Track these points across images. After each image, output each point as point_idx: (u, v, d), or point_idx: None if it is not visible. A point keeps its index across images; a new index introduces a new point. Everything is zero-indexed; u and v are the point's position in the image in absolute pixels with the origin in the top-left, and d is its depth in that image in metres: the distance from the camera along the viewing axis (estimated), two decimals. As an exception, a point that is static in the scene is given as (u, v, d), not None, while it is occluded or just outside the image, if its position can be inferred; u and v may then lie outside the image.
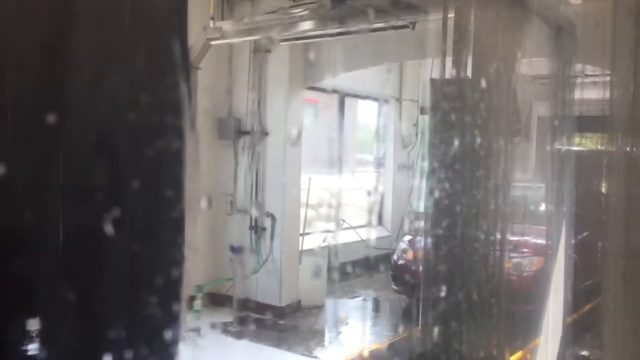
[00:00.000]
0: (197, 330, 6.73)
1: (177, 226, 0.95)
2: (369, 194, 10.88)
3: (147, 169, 0.91)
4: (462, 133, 3.18)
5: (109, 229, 0.84)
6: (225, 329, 7.10)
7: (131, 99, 0.88)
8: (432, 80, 3.65)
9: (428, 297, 3.30)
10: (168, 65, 0.91)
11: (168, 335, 0.94)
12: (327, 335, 7.46)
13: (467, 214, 3.15)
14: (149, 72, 0.90)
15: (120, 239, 0.86)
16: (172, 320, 0.95)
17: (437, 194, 3.19)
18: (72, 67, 0.82)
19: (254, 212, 7.84)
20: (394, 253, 8.32)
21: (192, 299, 6.72)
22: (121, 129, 0.88)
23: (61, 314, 0.83)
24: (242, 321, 7.21)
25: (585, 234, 6.38)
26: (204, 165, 7.47)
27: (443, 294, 3.11)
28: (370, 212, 10.82)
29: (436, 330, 3.14)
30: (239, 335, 6.94)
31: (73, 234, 0.83)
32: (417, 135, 10.84)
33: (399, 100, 10.75)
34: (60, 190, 0.82)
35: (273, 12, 6.48)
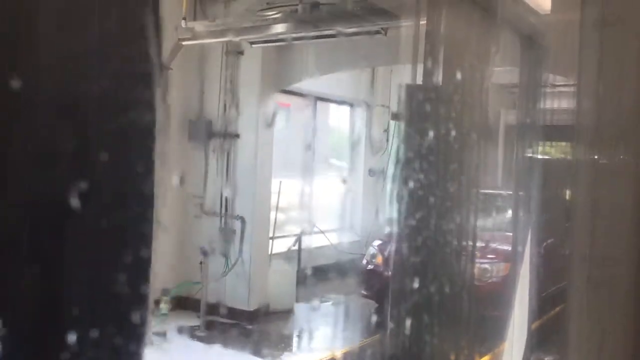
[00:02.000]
0: (163, 334, 6.64)
1: (147, 202, 0.91)
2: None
3: (116, 140, 0.88)
4: (432, 139, 3.21)
5: (74, 201, 0.80)
6: (192, 333, 7.02)
7: (100, 65, 0.85)
8: (403, 86, 3.68)
9: (397, 301, 3.31)
10: (139, 34, 0.88)
11: (135, 315, 0.91)
12: (295, 339, 7.44)
13: (436, 220, 3.18)
14: (119, 39, 0.87)
15: (86, 212, 0.82)
16: (140, 300, 0.92)
17: (406, 199, 3.21)
18: (36, 27, 0.78)
19: (223, 215, 7.78)
20: (363, 258, 8.35)
21: (158, 302, 6.63)
22: (89, 96, 0.84)
23: (21, 290, 0.80)
24: (209, 325, 7.14)
25: (550, 240, 6.50)
26: (174, 167, 7.39)
27: (412, 298, 3.13)
28: (340, 216, 10.84)
29: (405, 334, 3.16)
30: (206, 340, 6.87)
31: (35, 205, 0.79)
32: (388, 140, 10.92)
33: (370, 105, 10.81)
34: (21, 158, 0.78)
35: (246, 14, 6.46)
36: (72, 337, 0.82)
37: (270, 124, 7.75)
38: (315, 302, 8.45)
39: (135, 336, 0.91)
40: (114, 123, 0.86)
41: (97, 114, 0.85)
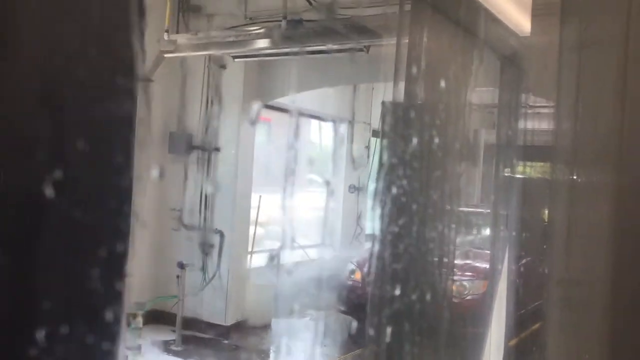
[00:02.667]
0: (137, 348, 6.52)
1: (124, 195, 0.88)
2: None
3: (95, 130, 0.85)
4: (412, 156, 3.23)
5: (49, 191, 0.77)
6: (167, 347, 6.91)
7: (81, 52, 0.82)
8: (384, 104, 3.71)
9: (375, 318, 3.30)
10: (122, 22, 0.86)
11: (109, 312, 0.87)
12: (272, 355, 7.36)
13: (415, 237, 3.19)
14: (101, 27, 0.85)
15: (60, 203, 0.79)
16: (114, 297, 0.88)
17: (386, 216, 3.22)
18: (15, 12, 0.75)
19: (202, 229, 7.71)
20: (342, 274, 8.32)
21: (133, 316, 6.52)
22: (68, 82, 0.80)
23: None
24: (185, 340, 7.04)
25: (527, 259, 6.55)
26: (153, 179, 7.32)
27: (390, 315, 3.12)
28: (319, 232, 10.82)
29: (383, 350, 3.14)
30: (181, 354, 6.77)
31: (7, 193, 0.76)
32: (368, 157, 10.96)
33: (351, 122, 10.86)
34: None
35: (229, 28, 6.47)
36: (41, 333, 0.79)
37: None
38: (293, 318, 8.39)
39: (108, 334, 0.88)
40: (93, 112, 0.84)
41: (76, 101, 0.82)
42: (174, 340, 7.00)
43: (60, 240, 0.82)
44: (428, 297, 3.30)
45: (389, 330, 3.14)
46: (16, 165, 0.76)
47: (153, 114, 6.93)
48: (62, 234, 0.82)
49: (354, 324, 7.90)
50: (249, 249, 8.22)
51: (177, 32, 6.98)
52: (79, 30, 0.82)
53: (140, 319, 6.63)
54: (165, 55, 6.62)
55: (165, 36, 6.53)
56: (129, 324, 6.34)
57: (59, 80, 0.80)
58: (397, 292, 3.14)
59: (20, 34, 0.76)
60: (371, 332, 3.26)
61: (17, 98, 0.76)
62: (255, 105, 7.61)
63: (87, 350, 0.86)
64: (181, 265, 7.27)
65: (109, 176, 0.87)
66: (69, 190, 0.80)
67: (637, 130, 1.23)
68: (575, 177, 1.90)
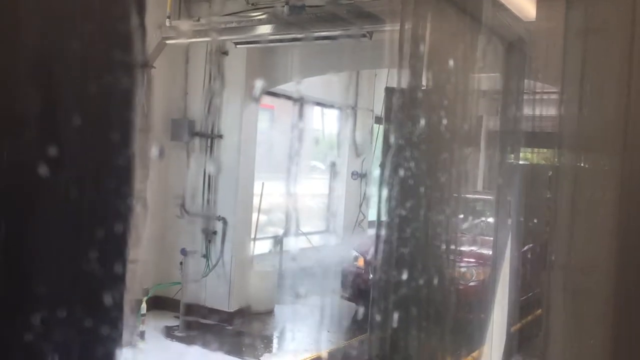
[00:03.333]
0: (140, 334, 6.57)
1: (123, 174, 0.85)
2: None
3: (91, 106, 0.81)
4: (415, 142, 3.22)
5: (43, 169, 0.74)
6: (170, 333, 6.95)
7: (75, 24, 0.78)
8: (387, 89, 3.69)
9: (378, 304, 3.32)
10: None
11: (108, 296, 0.83)
12: (275, 340, 7.41)
13: (419, 223, 3.19)
14: (97, 1, 0.81)
15: (56, 182, 0.75)
16: (114, 280, 0.84)
17: (389, 202, 3.22)
18: None
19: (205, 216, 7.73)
20: (345, 260, 8.35)
21: (137, 302, 6.56)
22: (62, 56, 0.76)
23: None
24: (188, 326, 7.08)
25: (530, 245, 6.55)
26: (155, 166, 7.32)
27: (393, 301, 3.13)
28: (322, 218, 10.84)
29: (386, 336, 3.16)
30: (185, 340, 6.81)
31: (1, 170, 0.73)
32: (371, 143, 10.94)
33: (354, 108, 10.83)
34: None
35: (231, 14, 6.43)
36: (37, 317, 0.76)
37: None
38: (296, 304, 8.43)
39: (108, 318, 0.85)
40: (89, 87, 0.80)
41: (71, 76, 0.78)
42: (177, 326, 7.04)
43: (56, 220, 0.78)
44: (431, 283, 3.31)
45: (392, 316, 3.15)
46: (8, 142, 0.73)
47: (155, 100, 6.92)
48: (58, 213, 0.78)
49: (357, 310, 7.93)
50: (252, 236, 8.24)
51: (179, 19, 6.95)
52: (74, 3, 0.79)
53: (143, 305, 6.67)
54: (167, 42, 6.59)
55: (167, 22, 6.49)
56: (133, 310, 6.38)
57: (51, 54, 0.76)
58: (402, 277, 3.15)
59: (16, 9, 0.73)
60: (376, 317, 3.28)
61: (9, 72, 0.73)
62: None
63: (86, 334, 0.83)
64: (184, 252, 7.30)
65: (106, 155, 0.83)
66: (64, 167, 0.77)
67: (642, 116, 1.22)
68: (579, 164, 1.89)
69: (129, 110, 0.85)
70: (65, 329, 0.80)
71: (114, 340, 0.88)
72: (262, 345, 7.00)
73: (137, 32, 0.84)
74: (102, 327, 0.85)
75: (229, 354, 6.57)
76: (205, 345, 6.75)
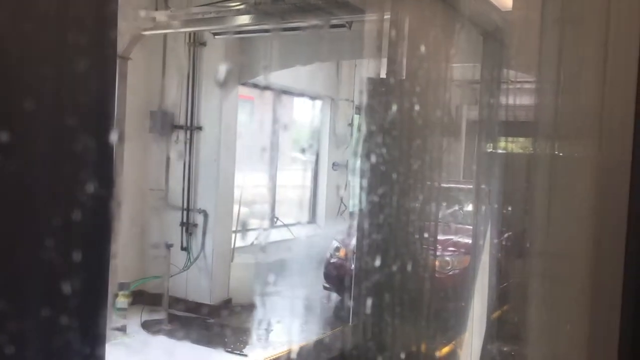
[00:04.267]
0: (122, 329, 6.53)
1: (80, 160, 0.81)
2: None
3: (45, 89, 0.77)
4: (395, 131, 3.23)
5: None
6: (152, 327, 6.92)
7: (28, 7, 0.75)
8: (367, 80, 3.70)
9: (359, 293, 3.33)
10: None
11: (66, 285, 0.80)
12: (255, 333, 7.42)
13: (398, 213, 3.21)
14: None
15: (8, 166, 0.73)
16: (73, 269, 0.81)
17: (369, 192, 3.23)
18: None
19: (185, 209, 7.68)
20: (326, 251, 8.37)
21: (117, 296, 6.51)
22: (12, 37, 0.72)
23: None
24: (170, 319, 7.06)
25: (509, 233, 6.64)
26: (134, 159, 7.25)
27: (374, 290, 3.16)
28: (304, 210, 10.84)
29: (367, 326, 3.18)
30: (167, 334, 6.79)
31: None
32: (351, 134, 10.95)
33: (334, 99, 10.82)
34: None
35: (209, 4, 6.37)
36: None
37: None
38: (278, 296, 8.44)
39: (68, 310, 0.82)
40: (42, 70, 0.76)
41: (22, 58, 0.74)
42: (160, 319, 7.01)
43: (9, 205, 0.75)
44: (412, 272, 3.33)
45: (373, 305, 3.17)
46: None
47: (133, 92, 6.84)
48: (11, 198, 0.74)
49: (339, 300, 7.97)
50: (233, 228, 8.22)
51: (156, 9, 6.86)
52: None
53: (125, 300, 6.62)
54: (144, 33, 6.51)
55: (143, 13, 6.41)
56: (113, 305, 6.34)
57: (3, 36, 0.73)
58: (382, 267, 3.17)
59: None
60: (357, 307, 3.30)
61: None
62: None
63: (44, 322, 0.80)
64: (167, 246, 7.26)
65: (62, 140, 0.80)
66: (17, 152, 0.73)
67: (617, 105, 1.24)
68: (556, 152, 1.91)
69: (85, 94, 0.82)
70: (18, 318, 0.76)
71: (98, 336, 0.86)
72: (244, 338, 7.00)
73: (90, 12, 0.80)
74: (83, 322, 0.84)
75: (211, 347, 6.56)
76: (187, 338, 6.74)
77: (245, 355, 6.40)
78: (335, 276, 7.84)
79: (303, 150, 11.26)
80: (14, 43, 0.73)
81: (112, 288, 6.02)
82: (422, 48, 3.47)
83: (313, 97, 10.80)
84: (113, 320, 6.29)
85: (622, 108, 1.21)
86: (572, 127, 1.69)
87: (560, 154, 1.87)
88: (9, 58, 0.73)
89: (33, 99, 0.75)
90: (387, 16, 3.48)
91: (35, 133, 0.77)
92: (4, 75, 0.73)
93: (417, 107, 3.35)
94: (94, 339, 0.85)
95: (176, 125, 7.68)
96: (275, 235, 9.50)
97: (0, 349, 0.74)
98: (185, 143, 7.67)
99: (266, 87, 9.02)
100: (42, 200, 0.79)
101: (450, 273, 7.02)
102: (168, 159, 7.72)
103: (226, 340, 6.79)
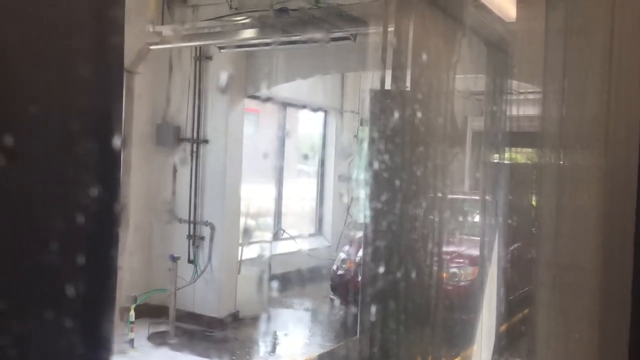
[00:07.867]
0: (130, 342, 6.52)
1: (81, 166, 0.81)
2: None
3: (48, 92, 0.77)
4: (400, 143, 3.23)
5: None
6: (160, 340, 6.91)
7: (32, 11, 0.74)
8: (372, 91, 3.71)
9: (367, 306, 3.32)
10: None
11: (70, 290, 0.79)
12: (264, 346, 7.39)
13: (405, 225, 3.20)
14: None
15: (10, 171, 0.72)
16: (76, 273, 0.80)
17: (376, 205, 3.23)
18: None
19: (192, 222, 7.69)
20: (333, 263, 8.35)
21: (125, 310, 6.51)
22: (17, 41, 0.72)
23: None
24: (178, 333, 7.04)
25: (517, 245, 6.60)
26: (141, 172, 7.28)
27: (383, 302, 3.14)
28: (310, 222, 10.83)
29: (375, 338, 3.17)
30: (174, 347, 6.77)
31: None
32: (357, 146, 10.96)
33: (340, 111, 10.85)
34: None
35: (215, 18, 6.42)
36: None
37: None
38: (285, 308, 8.41)
39: (71, 312, 0.81)
40: (46, 72, 0.76)
41: (24, 58, 0.74)
42: (167, 332, 7.00)
43: (10, 212, 0.74)
44: (420, 284, 3.32)
45: (381, 317, 3.16)
46: None
47: (140, 106, 6.88)
48: (12, 205, 0.74)
49: (346, 312, 7.94)
50: (240, 241, 8.21)
51: (162, 24, 6.92)
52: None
53: (133, 313, 6.62)
54: (151, 47, 6.56)
55: (150, 28, 6.47)
56: (122, 318, 6.33)
57: (6, 38, 0.72)
58: (389, 280, 3.16)
59: None
60: (365, 319, 3.28)
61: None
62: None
63: (45, 328, 0.79)
64: (173, 258, 7.25)
65: (65, 144, 0.79)
66: (19, 157, 0.73)
67: (622, 114, 1.24)
68: (562, 162, 1.91)
69: (89, 98, 0.81)
70: (21, 324, 0.76)
71: (106, 349, 0.85)
72: (252, 351, 6.97)
73: (94, 16, 0.80)
74: (92, 335, 0.83)
75: (218, 360, 6.54)
76: (195, 351, 6.71)
77: (253, 369, 6.38)
78: (342, 288, 7.81)
79: (308, 162, 11.27)
80: (17, 48, 0.74)
81: (121, 301, 6.01)
82: (427, 59, 3.48)
83: (318, 109, 10.83)
84: (123, 333, 6.28)
85: (628, 117, 1.21)
86: (577, 137, 1.69)
87: (566, 164, 1.87)
88: (13, 57, 0.74)
89: (38, 104, 0.76)
90: (391, 28, 3.49)
91: (37, 136, 0.77)
92: (6, 77, 0.73)
93: (422, 118, 3.35)
94: (101, 346, 0.85)
95: (182, 138, 7.71)
96: (282, 247, 9.49)
97: (4, 353, 0.74)
98: (192, 156, 7.70)
99: (272, 100, 9.06)
100: (47, 205, 0.79)
101: (459, 285, 6.98)
102: (175, 172, 7.74)
103: (233, 354, 6.77)
